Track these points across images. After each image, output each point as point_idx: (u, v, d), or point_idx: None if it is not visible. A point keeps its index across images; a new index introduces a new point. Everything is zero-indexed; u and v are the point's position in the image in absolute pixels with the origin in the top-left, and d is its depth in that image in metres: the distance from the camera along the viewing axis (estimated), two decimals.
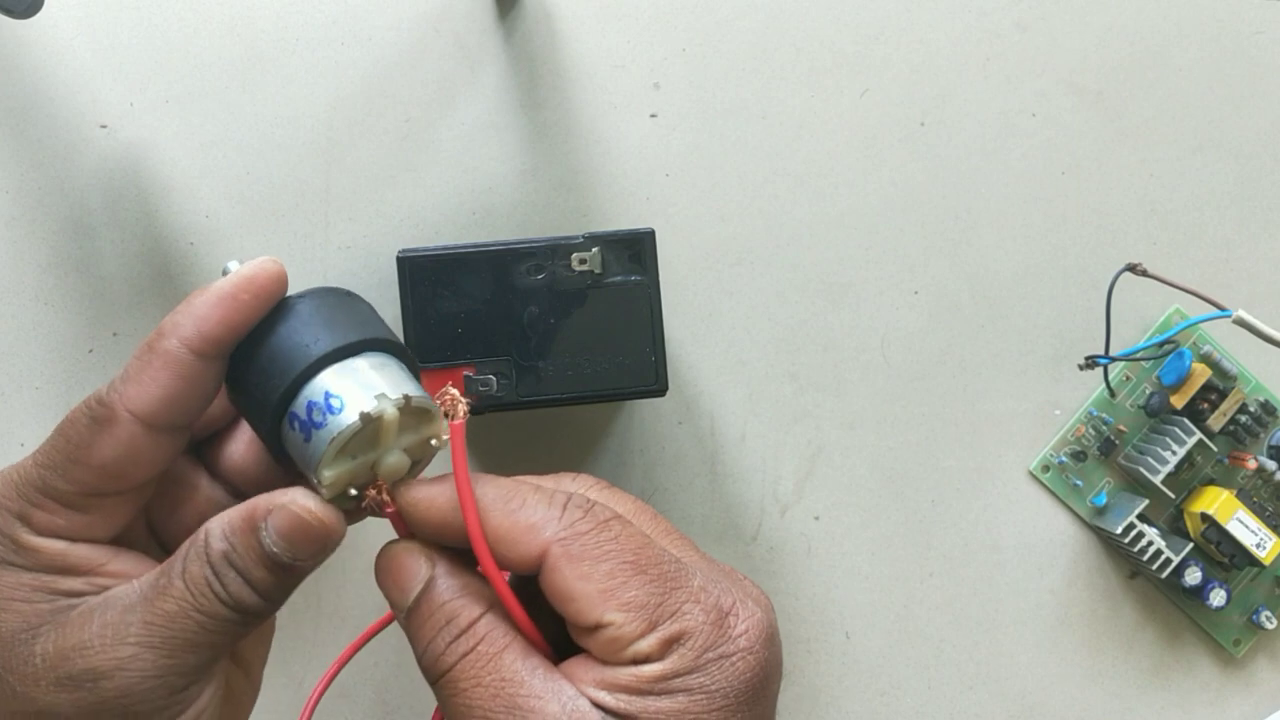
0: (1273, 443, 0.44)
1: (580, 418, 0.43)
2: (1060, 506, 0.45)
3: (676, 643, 0.28)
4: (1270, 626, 0.44)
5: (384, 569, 0.29)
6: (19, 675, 0.27)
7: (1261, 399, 0.44)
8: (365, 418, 0.28)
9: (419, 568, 0.29)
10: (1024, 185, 0.44)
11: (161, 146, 0.42)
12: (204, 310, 0.29)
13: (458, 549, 0.29)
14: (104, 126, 0.42)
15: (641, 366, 0.37)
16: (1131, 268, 0.42)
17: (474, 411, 0.36)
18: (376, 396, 0.28)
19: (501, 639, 0.28)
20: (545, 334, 0.36)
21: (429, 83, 0.43)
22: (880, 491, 0.44)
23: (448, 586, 0.29)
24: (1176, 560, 0.42)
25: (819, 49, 0.44)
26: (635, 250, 0.37)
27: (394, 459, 0.29)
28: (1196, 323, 0.43)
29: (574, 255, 0.37)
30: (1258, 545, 0.42)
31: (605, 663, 0.28)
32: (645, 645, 0.28)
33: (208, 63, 0.42)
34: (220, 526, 0.28)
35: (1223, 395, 0.44)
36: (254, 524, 0.28)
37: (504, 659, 0.28)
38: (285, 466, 0.30)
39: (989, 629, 0.44)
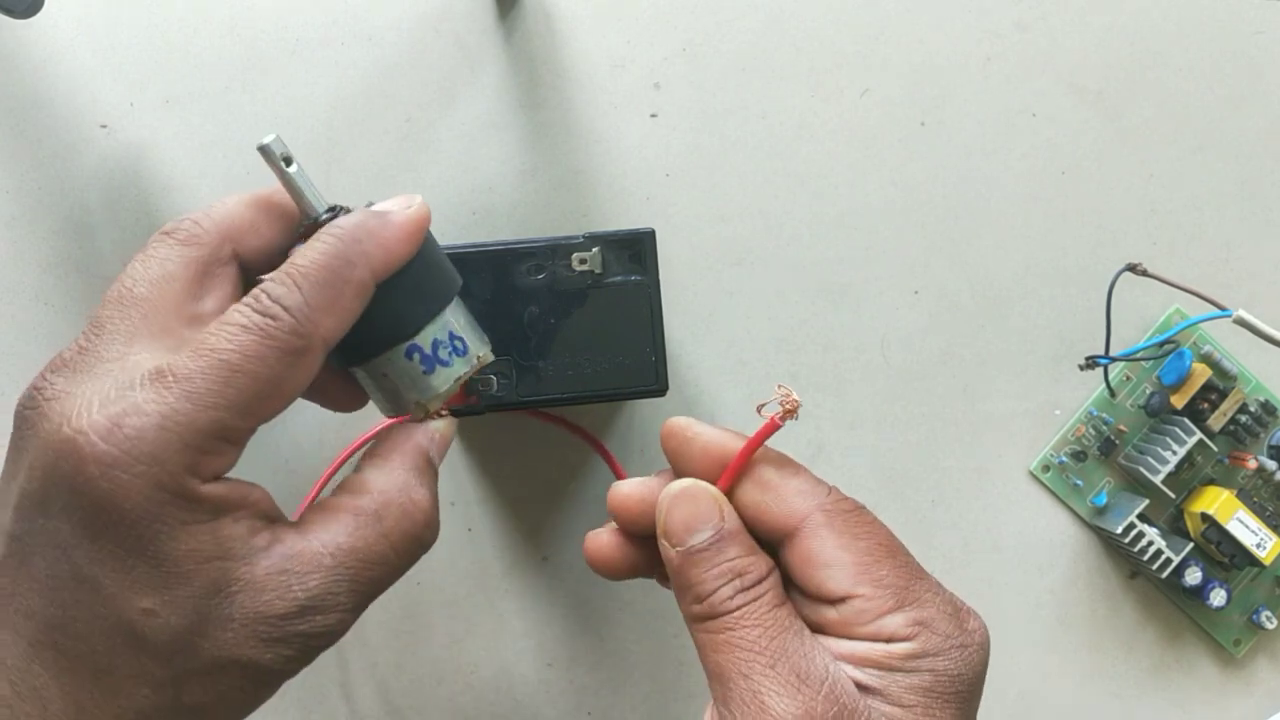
0: (1273, 443, 0.44)
1: (580, 418, 0.43)
2: (1060, 506, 0.45)
3: (922, 626, 0.30)
4: (1270, 626, 0.44)
5: (680, 504, 0.31)
6: (217, 640, 0.27)
7: (1261, 399, 0.44)
8: (480, 359, 0.33)
9: (713, 513, 0.31)
10: (1024, 185, 0.44)
11: (161, 146, 0.42)
12: (395, 245, 0.30)
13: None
14: (104, 126, 0.42)
15: (641, 366, 0.37)
16: (1131, 268, 0.42)
17: (474, 412, 0.36)
18: (484, 341, 0.34)
19: (780, 596, 0.30)
20: (545, 334, 0.36)
21: (429, 83, 0.43)
22: (880, 491, 0.44)
23: (742, 542, 0.31)
24: (1177, 560, 0.42)
25: (819, 49, 0.44)
26: (635, 250, 0.37)
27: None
28: (1196, 323, 0.43)
29: (574, 255, 0.37)
30: (1258, 545, 0.42)
31: (847, 637, 0.30)
32: (892, 622, 0.30)
33: (208, 63, 0.42)
34: (419, 478, 0.31)
35: (1223, 395, 0.44)
36: (429, 457, 0.32)
37: (780, 613, 0.30)
38: (348, 373, 0.33)
39: (989, 629, 0.44)
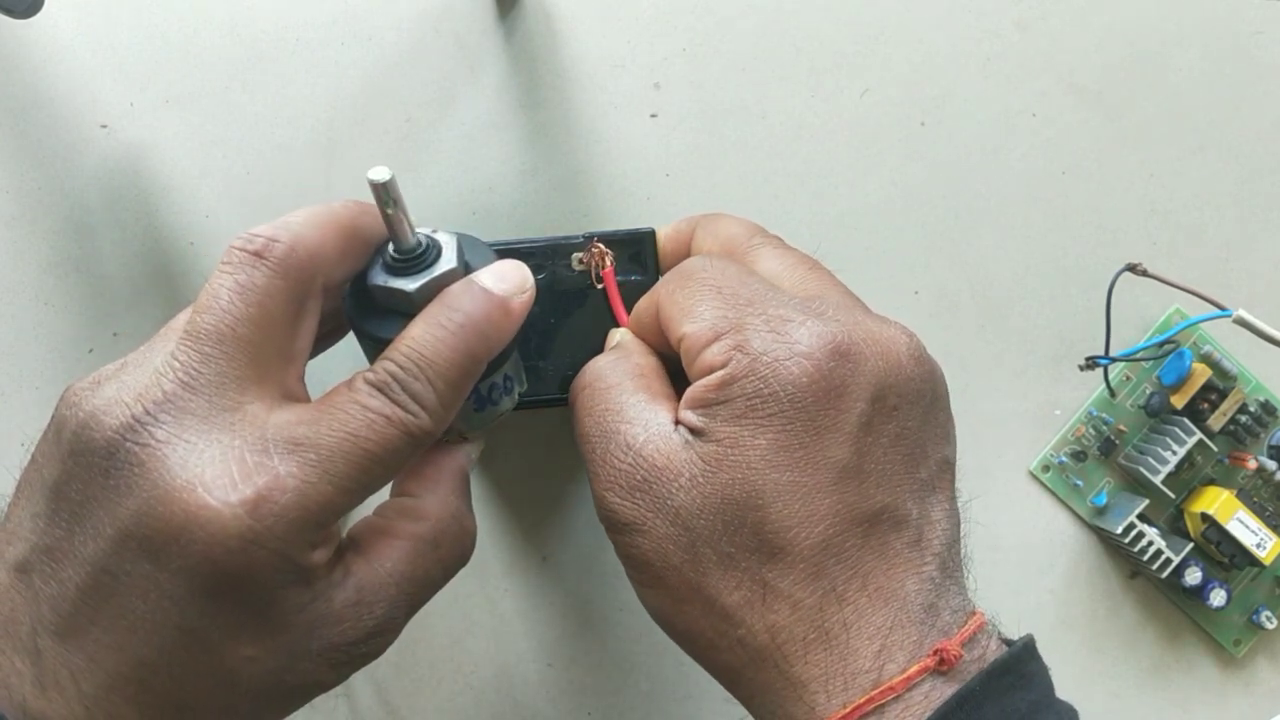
0: (1273, 443, 0.44)
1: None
2: (1060, 506, 0.45)
3: (736, 349, 0.29)
4: (1270, 626, 0.44)
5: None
6: (297, 671, 0.28)
7: (1261, 399, 0.44)
8: (520, 394, 0.35)
9: (610, 342, 0.36)
10: (1024, 185, 0.44)
11: (161, 146, 0.42)
12: (510, 334, 0.31)
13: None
14: (104, 126, 0.42)
15: None
16: (1131, 268, 0.42)
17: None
18: (522, 374, 0.35)
19: (612, 379, 0.32)
20: (545, 334, 0.36)
21: (429, 83, 0.43)
22: None
23: (603, 355, 0.34)
24: (1176, 560, 0.42)
25: (819, 49, 0.44)
26: (635, 250, 0.37)
27: None
28: (1196, 323, 0.43)
29: (574, 255, 0.37)
30: (1258, 545, 0.42)
31: (691, 380, 0.30)
32: (710, 353, 0.30)
33: (208, 63, 0.42)
34: (466, 504, 0.33)
35: (1223, 395, 0.44)
36: (468, 478, 0.33)
37: (610, 394, 0.32)
38: None
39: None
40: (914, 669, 0.27)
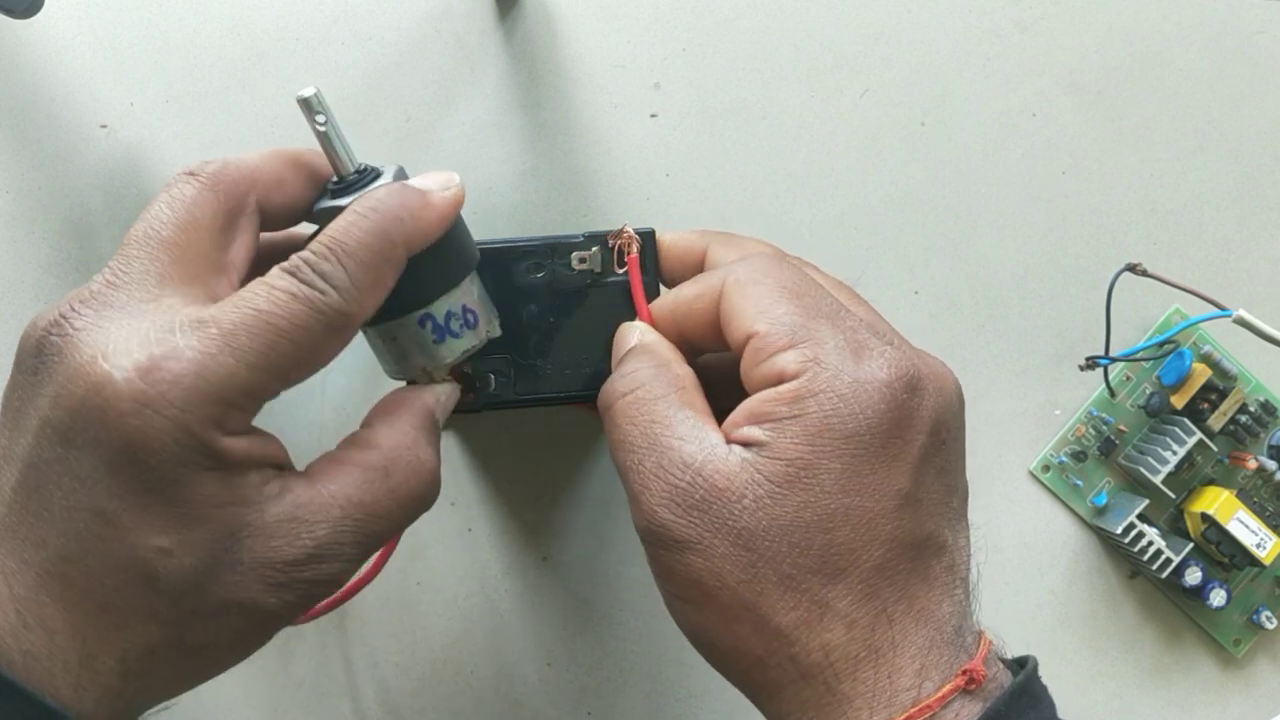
0: (1273, 442, 0.44)
1: (579, 417, 0.43)
2: (1060, 506, 0.45)
3: (813, 361, 0.29)
4: (1270, 626, 0.44)
5: (614, 339, 0.35)
6: (225, 582, 0.27)
7: (1261, 399, 0.44)
8: (488, 335, 0.34)
9: (630, 337, 0.34)
10: (1024, 185, 0.44)
11: (161, 146, 0.42)
12: (432, 228, 0.31)
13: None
14: (104, 126, 0.42)
15: None
16: (1131, 268, 0.42)
17: (471, 410, 0.36)
18: (494, 316, 0.35)
19: (657, 389, 0.32)
20: (545, 333, 0.36)
21: (429, 83, 0.43)
22: None
23: (637, 351, 0.34)
24: (1176, 560, 0.42)
25: (819, 49, 0.44)
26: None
27: None
28: (1196, 322, 0.43)
29: (574, 254, 0.37)
30: (1258, 545, 0.42)
31: (755, 390, 0.30)
32: (783, 359, 0.29)
33: (208, 63, 0.42)
34: (425, 438, 0.32)
35: (1223, 395, 0.44)
36: (435, 418, 0.32)
37: (656, 406, 0.31)
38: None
39: (989, 629, 0.44)
40: (947, 688, 0.28)
